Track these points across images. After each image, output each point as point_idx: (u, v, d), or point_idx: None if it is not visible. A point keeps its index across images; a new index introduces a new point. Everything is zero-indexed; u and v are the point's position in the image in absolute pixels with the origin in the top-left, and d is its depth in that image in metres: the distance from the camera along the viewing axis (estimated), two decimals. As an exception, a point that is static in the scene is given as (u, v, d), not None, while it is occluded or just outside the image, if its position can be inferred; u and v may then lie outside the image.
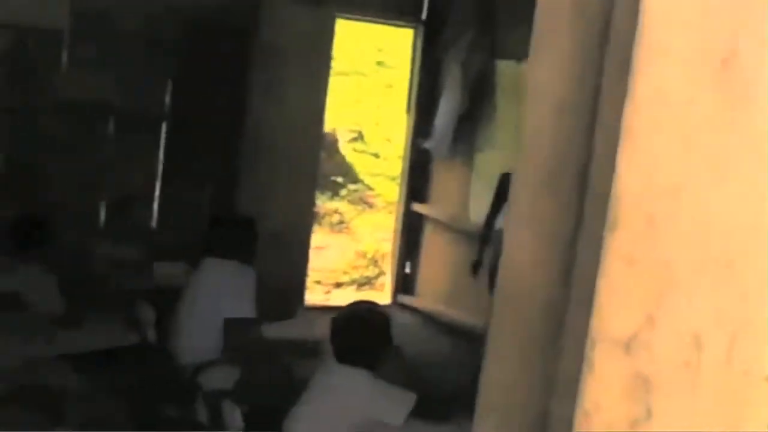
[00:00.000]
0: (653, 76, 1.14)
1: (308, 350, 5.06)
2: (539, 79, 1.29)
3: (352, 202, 10.94)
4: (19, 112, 7.12)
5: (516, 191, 1.32)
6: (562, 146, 1.24)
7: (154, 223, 7.28)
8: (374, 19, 8.53)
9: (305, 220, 8.00)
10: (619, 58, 1.15)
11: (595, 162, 1.19)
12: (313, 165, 8.09)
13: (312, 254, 8.29)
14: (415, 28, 8.25)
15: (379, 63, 13.16)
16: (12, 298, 4.30)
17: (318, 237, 9.37)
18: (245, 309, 4.54)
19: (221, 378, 4.35)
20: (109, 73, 7.28)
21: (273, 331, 4.98)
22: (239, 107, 7.46)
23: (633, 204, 1.16)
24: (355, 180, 11.30)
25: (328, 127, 10.55)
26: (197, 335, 4.49)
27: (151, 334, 4.49)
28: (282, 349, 4.77)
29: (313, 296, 8.44)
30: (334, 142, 11.45)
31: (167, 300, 5.03)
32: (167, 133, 7.61)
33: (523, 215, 1.30)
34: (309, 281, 8.29)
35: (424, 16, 8.15)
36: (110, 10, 7.21)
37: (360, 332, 3.66)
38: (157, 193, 7.59)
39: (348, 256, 9.67)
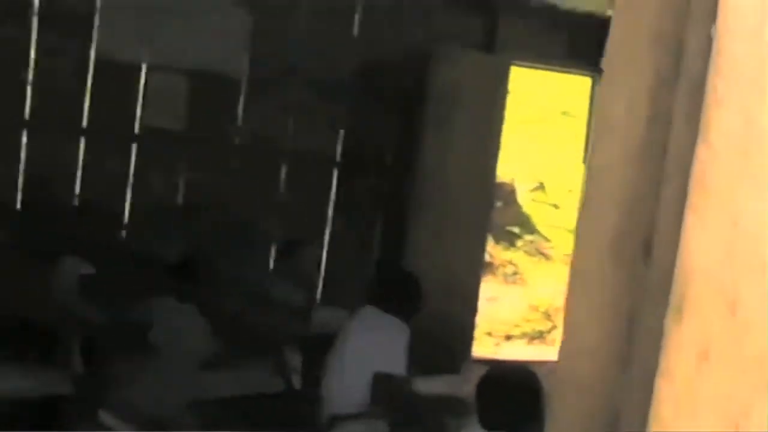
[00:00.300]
0: (729, 116, 0.93)
1: (464, 408, 4.86)
2: (609, 114, 1.11)
3: (528, 253, 10.69)
4: (195, 156, 7.32)
5: (578, 254, 1.13)
6: (630, 199, 1.03)
7: (319, 268, 7.30)
8: (550, 66, 8.33)
9: (475, 270, 7.82)
10: (691, 91, 0.95)
11: (661, 223, 0.98)
12: (485, 214, 7.92)
13: (483, 305, 8.11)
14: (593, 76, 8.00)
15: (564, 112, 12.90)
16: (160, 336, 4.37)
17: (491, 287, 9.18)
18: (397, 366, 4.41)
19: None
20: (283, 118, 7.41)
21: (432, 385, 4.82)
22: (410, 154, 7.40)
23: (707, 282, 0.92)
24: (532, 231, 11.05)
25: (506, 176, 10.38)
26: (344, 385, 4.40)
27: (297, 381, 4.44)
28: (435, 407, 4.59)
29: (483, 348, 8.24)
30: (512, 191, 11.25)
31: (320, 347, 4.98)
32: (338, 178, 7.65)
33: (585, 285, 1.10)
34: (479, 333, 8.10)
35: (602, 63, 7.86)
36: (286, 57, 7.35)
37: (505, 397, 3.42)
38: (325, 238, 7.63)
39: (520, 309, 9.42)
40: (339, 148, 7.68)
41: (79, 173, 7.09)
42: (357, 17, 7.52)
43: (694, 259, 0.92)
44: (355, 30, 7.54)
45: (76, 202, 6.72)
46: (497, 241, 10.32)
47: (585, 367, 1.08)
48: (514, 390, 3.43)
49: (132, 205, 7.21)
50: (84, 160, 7.11)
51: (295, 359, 4.54)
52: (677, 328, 0.91)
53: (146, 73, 7.14)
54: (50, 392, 3.90)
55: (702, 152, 0.93)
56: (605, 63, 1.14)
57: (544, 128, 12.65)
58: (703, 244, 0.92)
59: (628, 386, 0.99)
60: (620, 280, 1.05)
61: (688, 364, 0.92)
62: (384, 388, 4.38)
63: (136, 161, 7.23)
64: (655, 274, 0.97)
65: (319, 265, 7.39)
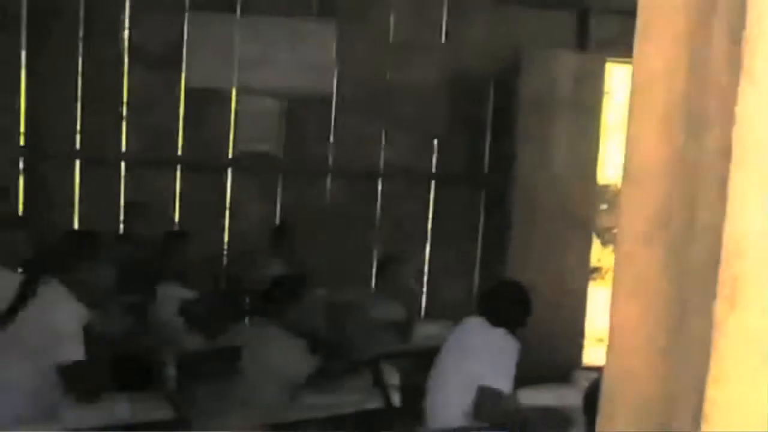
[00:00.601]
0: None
1: (574, 419, 4.68)
2: (644, 74, 0.98)
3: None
4: (290, 176, 7.33)
5: (619, 242, 1.00)
6: (670, 172, 0.90)
7: (420, 283, 7.22)
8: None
9: (582, 275, 7.61)
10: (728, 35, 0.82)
11: (702, 195, 0.84)
12: (589, 218, 7.70)
13: (592, 310, 7.87)
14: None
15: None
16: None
17: (600, 292, 8.92)
18: (502, 380, 4.28)
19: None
20: (376, 134, 7.38)
21: (540, 396, 4.66)
22: (508, 161, 7.25)
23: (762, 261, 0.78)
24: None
25: (609, 177, 10.11)
26: (448, 400, 4.29)
27: (396, 398, 4.34)
28: (544, 419, 4.43)
29: (595, 356, 7.99)
30: (616, 193, 10.95)
31: (423, 362, 4.88)
32: (435, 191, 7.56)
33: (626, 276, 0.97)
34: (589, 339, 7.86)
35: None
36: (375, 73, 7.32)
37: None
38: (426, 252, 7.55)
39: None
40: (434, 160, 7.59)
41: (176, 200, 7.19)
42: (444, 24, 7.43)
43: (739, 234, 0.78)
44: (444, 37, 7.44)
45: (174, 229, 6.79)
46: (604, 244, 10.05)
47: (634, 362, 0.96)
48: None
49: (230, 228, 7.26)
50: (180, 188, 7.20)
51: (396, 375, 4.44)
52: (727, 317, 0.78)
53: (238, 98, 7.19)
54: (151, 418, 3.89)
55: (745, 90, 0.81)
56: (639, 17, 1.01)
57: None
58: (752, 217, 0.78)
59: (679, 381, 0.87)
60: (666, 265, 0.92)
61: (739, 357, 0.79)
62: (489, 401, 4.25)
63: (232, 185, 7.29)
64: (701, 254, 0.83)
65: (420, 279, 7.31)
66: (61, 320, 4.03)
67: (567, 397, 4.56)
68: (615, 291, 1.03)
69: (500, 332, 4.41)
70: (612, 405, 1.02)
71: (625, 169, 1.04)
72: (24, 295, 4.18)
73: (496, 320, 4.45)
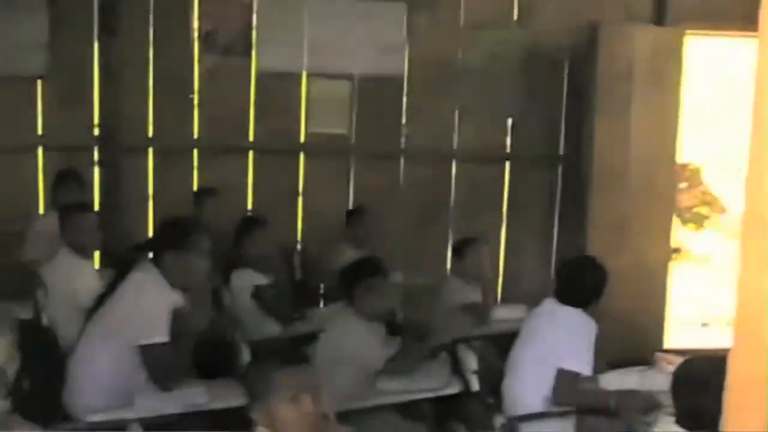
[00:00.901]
0: None
1: (658, 403, 4.52)
2: None
3: (718, 234, 10.10)
4: (363, 158, 7.27)
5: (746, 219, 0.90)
6: None
7: (496, 265, 7.10)
8: (726, 32, 7.73)
9: (663, 255, 7.41)
10: None
11: None
12: (669, 197, 7.48)
13: (677, 291, 7.69)
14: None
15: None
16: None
17: (682, 272, 8.72)
18: (579, 362, 4.15)
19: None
20: (448, 115, 7.27)
21: (622, 379, 4.51)
22: (583, 139, 7.08)
23: None
24: (721, 210, 10.45)
25: (689, 155, 9.87)
26: (526, 384, 4.18)
27: (474, 383, 4.25)
28: (625, 402, 4.29)
29: (678, 338, 7.80)
30: (696, 171, 10.69)
31: (501, 345, 4.79)
32: (510, 171, 7.43)
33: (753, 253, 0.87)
34: (672, 320, 7.67)
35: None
36: (446, 53, 7.21)
37: (702, 388, 3.07)
38: (502, 234, 7.43)
39: (714, 293, 8.89)
40: (509, 140, 7.45)
41: (249, 186, 7.18)
42: (517, 1, 7.27)
43: None
44: (516, 14, 7.29)
45: (248, 215, 6.78)
46: (684, 223, 9.81)
47: (759, 357, 0.87)
48: (712, 381, 3.10)
49: (303, 213, 7.23)
50: (253, 172, 7.19)
51: (474, 360, 4.34)
52: None
53: (309, 81, 7.15)
54: (227, 405, 3.86)
55: None
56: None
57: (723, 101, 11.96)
58: None
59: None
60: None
61: None
62: (567, 384, 4.14)
63: (304, 170, 7.26)
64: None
65: (496, 261, 7.19)
66: (149, 303, 4.03)
67: (650, 381, 4.42)
68: (743, 267, 0.94)
69: (576, 312, 4.30)
70: (740, 380, 0.93)
71: (751, 147, 0.94)
72: (117, 279, 4.20)
73: (570, 299, 4.33)
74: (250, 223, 5.78)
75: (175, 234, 4.23)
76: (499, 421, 4.17)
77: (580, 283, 4.39)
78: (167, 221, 4.68)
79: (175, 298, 4.06)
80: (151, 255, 4.35)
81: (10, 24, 6.68)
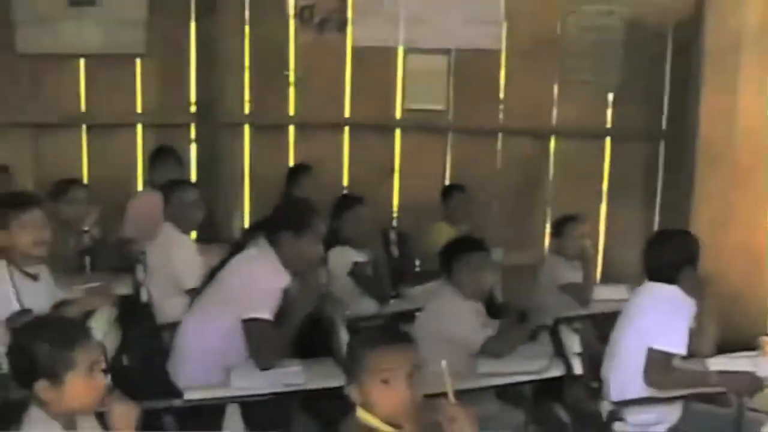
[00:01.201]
0: None
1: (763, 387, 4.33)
2: None
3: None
4: (460, 134, 7.16)
5: None
6: None
7: (596, 243, 6.92)
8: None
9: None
10: None
11: None
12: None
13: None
14: None
15: None
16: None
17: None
18: (673, 341, 3.98)
19: (645, 419, 3.88)
20: (547, 90, 7.11)
21: (726, 364, 4.32)
22: (687, 114, 6.83)
23: None
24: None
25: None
26: (628, 368, 4.03)
27: (577, 365, 4.11)
28: (728, 384, 4.11)
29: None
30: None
31: (602, 326, 4.65)
32: (611, 147, 7.23)
33: None
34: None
35: None
36: (545, 26, 7.04)
37: None
38: (602, 212, 7.24)
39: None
40: (609, 115, 7.24)
41: (345, 162, 7.16)
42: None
43: None
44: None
45: (345, 192, 6.76)
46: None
47: None
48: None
49: (398, 189, 7.17)
50: (349, 148, 7.16)
51: (577, 341, 4.20)
52: None
53: (405, 56, 7.07)
54: (323, 385, 3.82)
55: None
56: None
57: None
58: None
59: None
60: None
61: None
62: (659, 365, 3.95)
63: (400, 146, 7.20)
64: None
65: (596, 240, 7.00)
66: (260, 280, 4.00)
67: (755, 365, 4.24)
68: None
69: (669, 289, 4.11)
70: None
71: None
72: (231, 256, 4.19)
73: (659, 275, 4.15)
74: (348, 201, 5.73)
75: (292, 215, 4.17)
76: (605, 407, 4.02)
77: (666, 258, 4.19)
78: (286, 201, 4.65)
79: (286, 279, 4.02)
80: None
81: (111, 3, 6.75)
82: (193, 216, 5.32)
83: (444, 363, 2.51)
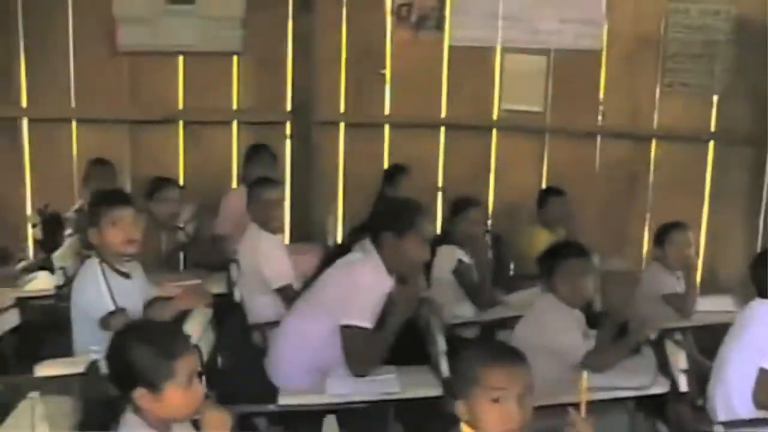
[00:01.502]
0: None
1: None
2: None
3: None
4: (557, 136, 7.04)
5: None
6: None
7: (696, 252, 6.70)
8: None
9: None
10: None
11: None
12: None
13: None
14: None
15: None
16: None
17: None
18: None
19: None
20: (648, 92, 6.92)
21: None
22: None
23: None
24: None
25: None
26: (733, 386, 3.86)
27: (683, 382, 3.94)
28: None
29: None
30: None
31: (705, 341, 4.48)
32: (714, 152, 7.01)
33: None
34: None
35: None
36: (647, 25, 6.86)
37: None
38: (704, 218, 7.02)
39: None
40: (713, 119, 7.01)
41: (440, 163, 7.08)
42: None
43: None
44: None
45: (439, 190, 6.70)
46: None
47: None
48: None
49: (494, 191, 7.08)
50: (444, 149, 7.08)
51: (682, 356, 4.02)
52: None
53: (503, 56, 6.95)
54: (420, 395, 3.74)
55: None
56: None
57: None
58: None
59: None
60: None
61: None
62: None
63: (497, 146, 7.09)
64: None
65: (697, 248, 6.78)
66: (363, 285, 3.89)
67: None
68: None
69: None
70: None
71: None
72: (333, 258, 4.12)
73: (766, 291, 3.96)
74: (464, 202, 5.63)
75: (394, 215, 4.07)
76: (716, 429, 3.84)
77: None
78: (392, 202, 4.55)
79: (389, 283, 3.93)
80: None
81: (210, 1, 6.79)
82: (273, 215, 5.18)
83: (585, 374, 2.41)
